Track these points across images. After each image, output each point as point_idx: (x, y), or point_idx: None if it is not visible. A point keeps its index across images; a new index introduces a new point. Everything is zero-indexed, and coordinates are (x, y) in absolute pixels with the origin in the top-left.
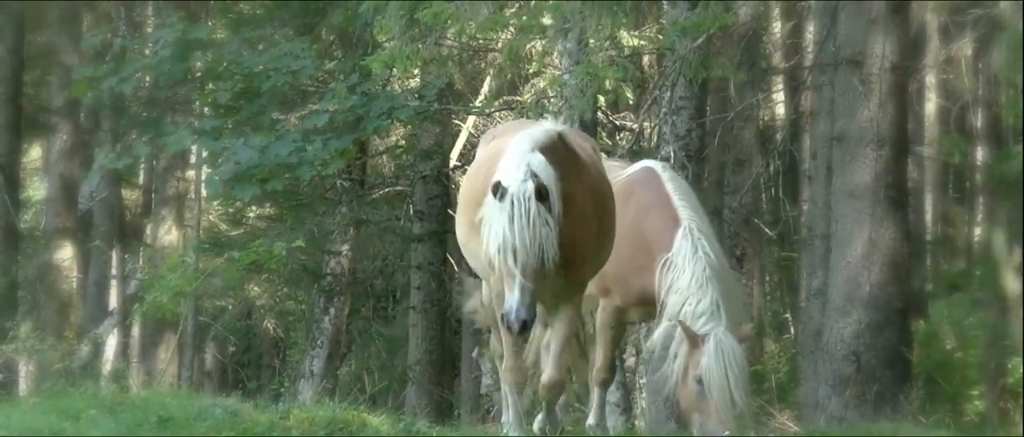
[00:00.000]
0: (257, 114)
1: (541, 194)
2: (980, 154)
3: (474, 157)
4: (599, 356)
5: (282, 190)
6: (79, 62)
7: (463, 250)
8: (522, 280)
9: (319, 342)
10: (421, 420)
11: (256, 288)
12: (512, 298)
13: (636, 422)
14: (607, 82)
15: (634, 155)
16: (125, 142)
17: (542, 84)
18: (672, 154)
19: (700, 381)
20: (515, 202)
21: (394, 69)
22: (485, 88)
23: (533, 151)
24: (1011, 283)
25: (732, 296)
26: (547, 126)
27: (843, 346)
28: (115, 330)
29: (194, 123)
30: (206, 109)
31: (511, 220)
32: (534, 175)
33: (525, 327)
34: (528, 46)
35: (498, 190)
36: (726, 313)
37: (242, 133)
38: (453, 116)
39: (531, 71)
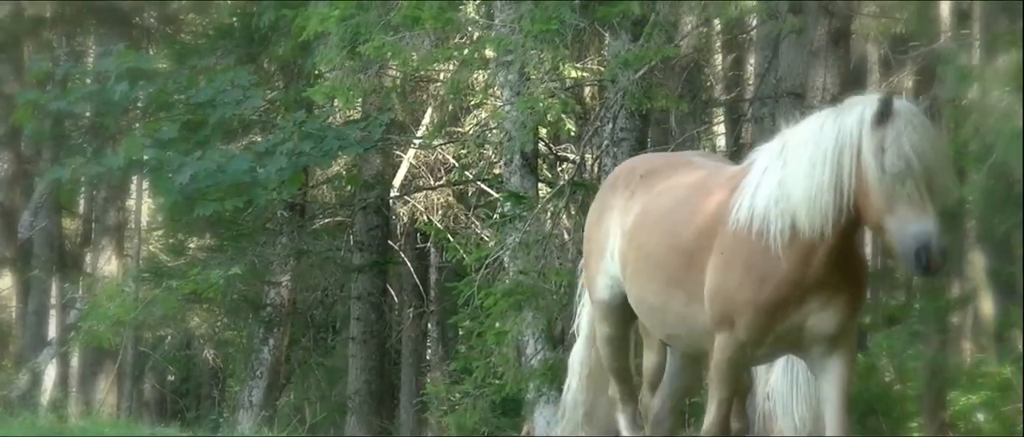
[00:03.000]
0: (202, 144)
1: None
2: None
3: (415, 188)
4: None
5: (226, 219)
6: (21, 90)
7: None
8: (930, 201)
9: (258, 372)
10: None
11: (196, 318)
12: (923, 224)
13: None
14: (548, 114)
15: (575, 186)
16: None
17: (484, 116)
18: None
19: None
20: (908, 120)
21: (336, 100)
22: (426, 119)
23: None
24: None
25: None
26: None
27: None
28: (54, 360)
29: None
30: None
31: (912, 136)
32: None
33: (946, 258)
34: (470, 78)
35: (887, 111)
36: None
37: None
38: (395, 147)
39: (473, 103)
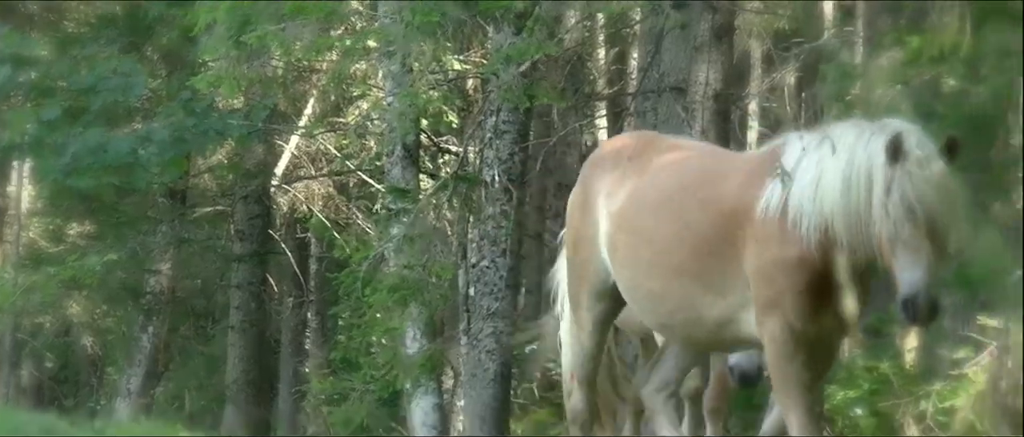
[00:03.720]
0: (85, 131)
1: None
2: None
3: (296, 177)
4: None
5: (106, 206)
6: None
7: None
8: (928, 250)
9: (137, 360)
10: None
11: (75, 305)
12: (916, 273)
13: None
14: (430, 106)
15: (458, 180)
16: None
17: (365, 106)
18: (495, 178)
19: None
20: (919, 162)
21: (220, 89)
22: (308, 109)
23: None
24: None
25: None
26: None
27: None
28: None
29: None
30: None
31: (924, 179)
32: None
33: (936, 312)
34: (352, 69)
35: (896, 150)
36: None
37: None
38: (276, 136)
39: (355, 94)
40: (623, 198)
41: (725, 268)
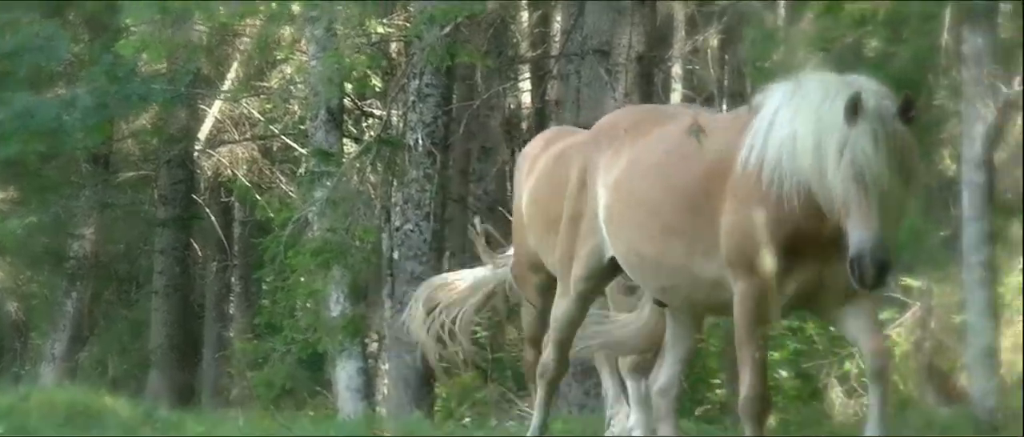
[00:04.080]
0: (12, 96)
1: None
2: None
3: (220, 142)
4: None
5: (30, 171)
6: None
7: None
8: (878, 211)
9: (61, 325)
10: (162, 403)
11: None
12: (864, 233)
13: (378, 408)
14: (355, 70)
15: (381, 143)
16: None
17: (289, 71)
18: (418, 141)
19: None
20: (875, 123)
21: (144, 55)
22: (232, 73)
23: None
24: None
25: None
26: None
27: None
28: None
29: None
30: None
31: (875, 140)
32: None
33: (884, 272)
34: (277, 33)
35: (854, 110)
36: None
37: None
38: (200, 101)
39: (279, 58)
40: (619, 169)
41: (712, 226)
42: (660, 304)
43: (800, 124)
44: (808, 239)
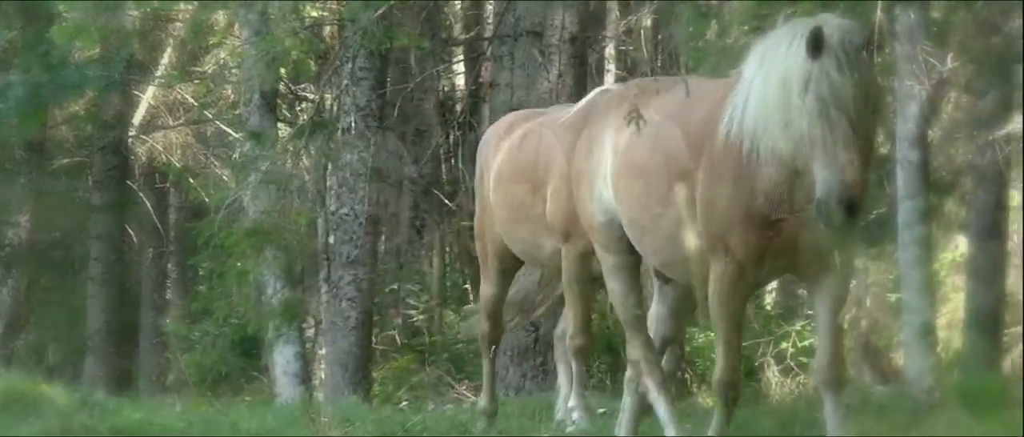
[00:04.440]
0: None
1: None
2: None
3: (154, 127)
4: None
5: None
6: None
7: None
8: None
9: None
10: (99, 390)
11: None
12: (830, 173)
13: (316, 393)
14: (290, 54)
15: (315, 126)
16: None
17: (223, 55)
18: (352, 124)
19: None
20: (841, 52)
21: (77, 42)
22: (165, 59)
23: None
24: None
25: None
26: None
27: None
28: None
29: None
30: None
31: (839, 70)
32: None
33: (853, 211)
34: (211, 18)
35: (816, 44)
36: None
37: None
38: (133, 87)
39: (212, 42)
40: (628, 134)
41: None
42: (664, 281)
43: (769, 72)
44: (787, 202)
